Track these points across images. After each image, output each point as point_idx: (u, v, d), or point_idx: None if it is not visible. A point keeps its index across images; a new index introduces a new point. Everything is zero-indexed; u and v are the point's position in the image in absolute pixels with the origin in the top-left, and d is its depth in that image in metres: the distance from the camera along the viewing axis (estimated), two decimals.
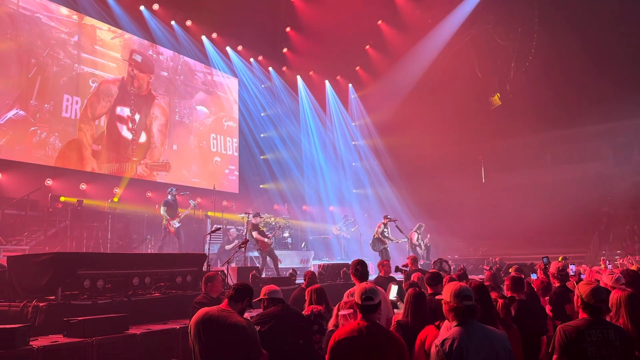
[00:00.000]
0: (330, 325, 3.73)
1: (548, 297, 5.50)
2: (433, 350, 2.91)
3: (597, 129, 25.10)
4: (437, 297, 3.48)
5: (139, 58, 16.07)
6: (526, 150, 26.68)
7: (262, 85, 21.39)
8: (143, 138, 15.85)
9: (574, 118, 24.27)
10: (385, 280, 7.01)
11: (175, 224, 12.10)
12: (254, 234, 12.06)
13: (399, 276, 8.79)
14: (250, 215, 13.82)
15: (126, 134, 15.33)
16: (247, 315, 4.27)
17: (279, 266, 13.70)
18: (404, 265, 9.20)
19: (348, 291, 5.22)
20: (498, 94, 23.46)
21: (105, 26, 15.11)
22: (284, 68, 21.87)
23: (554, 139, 26.41)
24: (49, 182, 13.13)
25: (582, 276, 8.08)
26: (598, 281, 4.63)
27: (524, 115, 24.36)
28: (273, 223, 15.47)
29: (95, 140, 14.38)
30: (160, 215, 12.61)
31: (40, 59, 13.30)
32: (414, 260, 9.06)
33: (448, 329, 3.18)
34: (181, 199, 13.33)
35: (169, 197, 12.44)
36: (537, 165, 26.71)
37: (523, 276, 6.18)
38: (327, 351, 3.42)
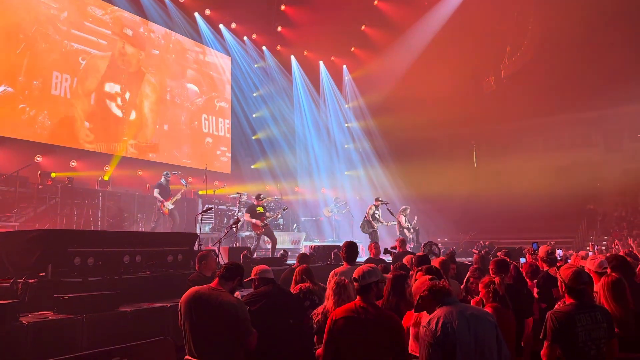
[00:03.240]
0: (331, 305, 3.76)
1: (536, 281, 5.58)
2: (421, 331, 2.97)
3: (588, 116, 25.25)
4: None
5: (129, 32, 15.82)
6: (518, 136, 26.80)
7: (256, 65, 21.19)
8: (133, 116, 15.70)
9: (566, 105, 24.38)
10: (375, 262, 7.07)
11: (169, 205, 12.08)
12: (246, 215, 12.08)
13: (388, 258, 8.89)
14: (244, 196, 13.84)
15: (116, 111, 15.18)
16: (237, 294, 4.31)
17: (269, 247, 13.78)
18: (392, 248, 9.30)
19: (333, 271, 5.28)
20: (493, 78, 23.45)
21: (95, 2, 14.83)
22: (278, 47, 21.64)
23: (545, 125, 26.54)
24: (38, 158, 13.02)
25: (569, 261, 8.21)
26: (582, 267, 4.70)
27: (516, 100, 24.42)
28: (273, 206, 15.49)
29: (86, 116, 14.24)
30: (151, 195, 12.58)
31: (29, 34, 13.04)
32: (403, 242, 9.15)
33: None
34: (173, 178, 13.27)
35: (162, 179, 12.40)
36: (528, 151, 26.85)
37: (508, 259, 6.27)
38: (315, 327, 3.50)
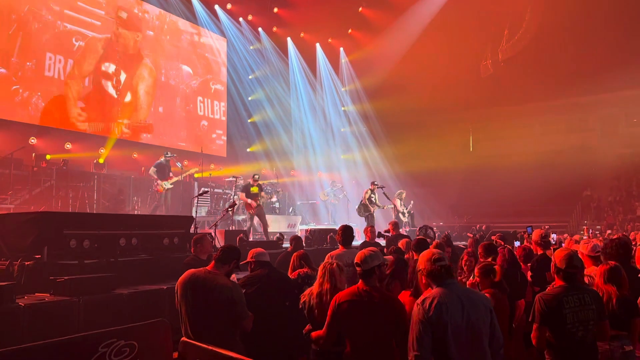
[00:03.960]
0: (316, 286, 3.79)
1: (530, 264, 5.63)
2: (414, 309, 3.00)
3: (585, 101, 25.25)
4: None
5: (124, 15, 15.62)
6: (515, 120, 26.79)
7: (251, 47, 20.99)
8: (128, 98, 15.58)
9: (563, 89, 24.34)
10: (370, 246, 7.11)
11: (167, 184, 12.03)
12: (241, 195, 12.12)
13: (383, 242, 8.93)
14: (240, 179, 13.84)
15: (111, 91, 15.06)
16: (233, 277, 4.34)
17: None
18: (385, 231, 9.34)
19: (329, 254, 5.31)
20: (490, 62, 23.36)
21: None
22: (275, 29, 21.42)
23: (542, 109, 26.52)
24: (33, 140, 12.93)
25: (563, 245, 8.28)
26: (576, 251, 4.74)
27: (513, 84, 24.36)
28: (269, 189, 15.50)
29: (81, 98, 14.12)
30: (147, 177, 12.55)
31: (21, 15, 12.85)
32: (396, 225, 9.19)
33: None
34: (192, 163, 13.27)
35: (162, 159, 12.35)
36: (525, 135, 26.88)
37: (503, 243, 6.32)
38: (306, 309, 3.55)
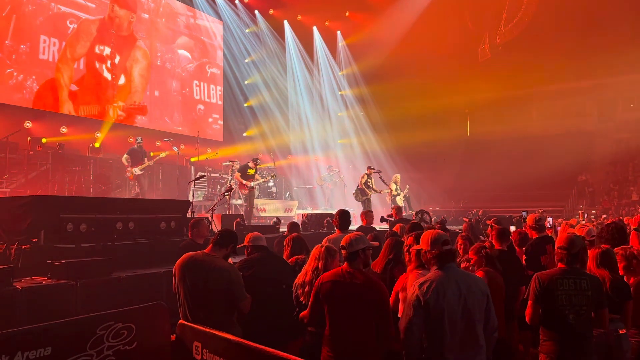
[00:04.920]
0: (309, 267, 3.80)
1: (525, 248, 5.66)
2: (409, 291, 3.03)
3: (583, 85, 25.18)
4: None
5: None
6: (512, 105, 26.73)
7: (247, 30, 20.81)
8: (122, 80, 15.46)
9: (561, 74, 24.26)
10: (367, 230, 7.14)
11: (137, 170, 11.93)
12: (237, 174, 12.18)
13: (384, 227, 8.96)
14: (237, 163, 13.85)
15: (105, 74, 14.94)
16: (230, 261, 4.36)
17: (262, 215, 13.90)
18: (388, 216, 9.36)
19: (326, 238, 5.34)
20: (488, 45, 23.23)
21: None
22: (271, 11, 21.22)
23: (540, 94, 26.47)
24: (28, 124, 12.86)
25: (558, 229, 8.33)
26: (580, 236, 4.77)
27: (511, 69, 24.24)
28: (266, 174, 15.50)
29: (73, 82, 14.00)
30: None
31: None
32: (399, 210, 9.20)
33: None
34: (165, 145, 13.17)
35: (135, 145, 12.30)
36: (522, 120, 26.85)
37: (498, 227, 6.34)
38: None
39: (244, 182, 12.04)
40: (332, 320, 3.32)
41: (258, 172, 12.71)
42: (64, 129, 13.63)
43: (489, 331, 3.06)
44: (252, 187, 12.20)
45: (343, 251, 3.43)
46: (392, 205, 13.59)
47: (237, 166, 13.57)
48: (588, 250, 4.08)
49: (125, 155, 12.11)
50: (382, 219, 9.54)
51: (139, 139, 12.43)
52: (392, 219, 8.97)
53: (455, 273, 3.07)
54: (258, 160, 12.67)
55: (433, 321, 2.94)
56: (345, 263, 3.43)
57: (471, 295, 2.99)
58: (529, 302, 3.52)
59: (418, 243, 3.58)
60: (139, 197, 11.64)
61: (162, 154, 12.75)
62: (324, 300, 3.35)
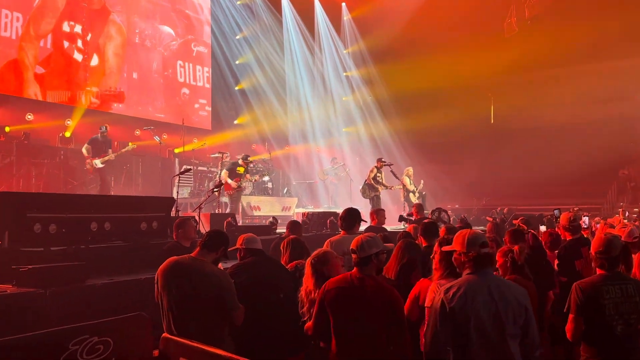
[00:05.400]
0: (309, 282, 3.82)
1: (557, 252, 5.66)
2: (435, 299, 3.03)
3: (626, 65, 25.01)
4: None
5: None
6: (542, 88, 26.60)
7: (238, 2, 20.77)
8: (95, 61, 15.44)
9: (600, 51, 24.08)
10: (376, 231, 7.15)
11: (98, 164, 11.93)
12: (223, 173, 12.18)
13: (396, 227, 8.97)
14: (227, 155, 13.88)
15: (76, 55, 14.93)
16: (220, 266, 4.37)
17: (257, 214, 13.93)
18: (408, 215, 9.35)
19: (328, 240, 5.34)
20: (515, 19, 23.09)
21: None
22: None
23: (575, 75, 26.28)
24: None
25: (595, 229, 8.33)
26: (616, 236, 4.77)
27: (542, 46, 24.10)
28: (260, 167, 15.52)
29: (39, 62, 14.00)
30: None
31: None
32: (420, 208, 9.18)
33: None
34: (145, 134, 13.15)
35: (99, 134, 12.30)
36: (553, 105, 26.71)
37: (526, 227, 6.35)
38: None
39: (229, 181, 12.05)
40: (338, 333, 3.33)
41: (249, 169, 12.73)
42: (29, 116, 13.64)
43: (530, 350, 3.02)
44: (239, 187, 12.22)
45: (353, 255, 3.43)
46: (413, 203, 13.62)
47: (228, 158, 13.59)
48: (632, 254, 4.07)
49: (86, 145, 12.12)
50: (401, 219, 9.53)
51: (103, 128, 12.39)
52: (413, 219, 8.96)
53: (490, 279, 3.05)
54: (249, 158, 12.68)
55: (459, 331, 2.93)
56: (355, 268, 3.43)
57: (505, 305, 2.96)
58: (571, 316, 3.49)
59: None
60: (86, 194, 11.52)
61: (129, 147, 12.67)
62: (329, 309, 3.35)
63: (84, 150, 12.10)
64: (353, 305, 3.28)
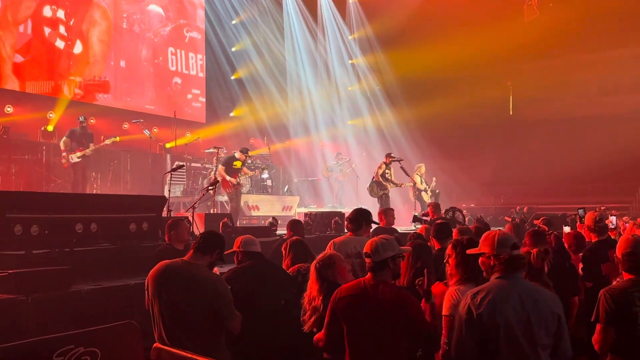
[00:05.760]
0: (313, 287, 3.83)
1: (582, 254, 5.65)
2: (462, 304, 3.03)
3: None
4: (469, 251, 3.59)
5: None
6: (566, 76, 26.50)
7: None
8: (79, 49, 15.46)
9: (629, 35, 23.99)
10: (385, 232, 7.16)
11: (74, 158, 11.86)
12: (220, 169, 12.20)
13: (407, 228, 8.97)
14: (223, 151, 13.90)
15: (58, 42, 14.95)
16: (216, 270, 4.39)
17: (255, 214, 13.96)
18: (423, 215, 9.35)
19: (332, 241, 5.34)
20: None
21: None
22: None
23: (601, 62, 26.20)
24: None
25: (623, 230, 8.32)
26: None
27: (564, 31, 24.01)
28: (259, 163, 15.55)
29: (17, 50, 14.03)
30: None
31: None
32: (436, 207, 9.17)
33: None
34: (133, 128, 13.14)
35: (79, 126, 12.26)
36: (578, 96, 26.64)
37: (547, 229, 6.34)
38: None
39: (228, 178, 12.06)
40: (353, 344, 3.33)
41: (248, 165, 12.73)
42: (9, 109, 13.68)
43: None
44: (239, 184, 12.24)
45: (367, 259, 3.44)
46: (427, 202, 13.61)
47: (224, 154, 13.61)
48: None
49: (64, 138, 12.07)
50: (416, 219, 9.53)
51: (82, 118, 12.34)
52: (429, 219, 8.95)
53: (521, 284, 3.05)
54: (248, 151, 12.69)
55: (487, 340, 2.93)
56: (369, 274, 3.44)
57: (537, 313, 2.95)
58: (599, 326, 3.48)
59: (460, 250, 3.56)
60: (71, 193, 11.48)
61: (110, 140, 12.60)
62: (342, 319, 3.36)
63: (61, 144, 12.04)
64: (368, 314, 3.28)
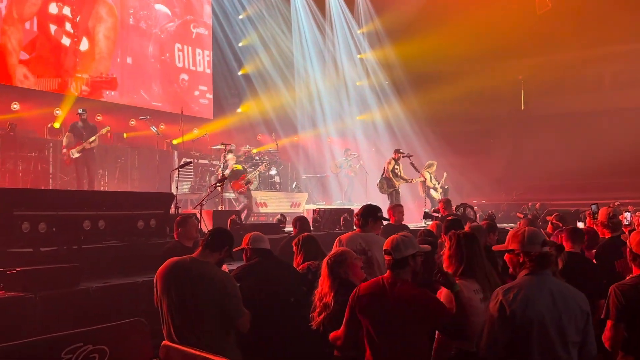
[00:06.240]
0: (325, 284, 3.82)
1: (595, 251, 5.63)
2: (493, 301, 3.04)
3: None
4: (495, 247, 3.58)
5: None
6: (579, 70, 26.34)
7: None
8: (85, 45, 15.51)
9: None
10: (396, 230, 7.14)
11: (74, 153, 11.77)
12: (226, 172, 12.26)
13: (416, 225, 8.95)
14: (231, 147, 13.92)
15: (64, 39, 15.01)
16: (225, 267, 4.40)
17: (263, 211, 13.99)
18: (434, 211, 9.33)
19: (338, 238, 5.33)
20: None
21: None
22: None
23: (614, 56, 26.01)
24: None
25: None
26: None
27: (578, 24, 23.84)
28: (257, 159, 15.55)
29: (24, 47, 14.09)
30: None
31: None
32: (447, 203, 9.14)
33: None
34: (140, 124, 13.16)
35: (79, 120, 12.17)
36: (591, 90, 26.47)
37: (561, 224, 6.31)
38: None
39: (241, 183, 12.20)
40: (373, 343, 3.34)
41: (255, 161, 12.78)
42: (15, 106, 13.75)
43: (585, 358, 3.05)
44: (249, 182, 12.30)
45: (387, 257, 3.44)
46: (436, 199, 13.57)
47: (233, 149, 13.65)
48: None
49: (67, 133, 12.05)
50: (426, 216, 9.51)
51: (81, 110, 12.26)
52: (439, 215, 8.92)
53: (551, 281, 3.07)
54: (246, 148, 12.79)
55: (519, 336, 2.95)
56: (388, 272, 3.44)
57: (568, 311, 2.98)
58: (609, 323, 3.46)
59: (458, 243, 3.60)
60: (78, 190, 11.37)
61: (103, 130, 12.37)
62: (362, 318, 3.37)
63: (64, 140, 11.99)
64: (387, 313, 3.29)
